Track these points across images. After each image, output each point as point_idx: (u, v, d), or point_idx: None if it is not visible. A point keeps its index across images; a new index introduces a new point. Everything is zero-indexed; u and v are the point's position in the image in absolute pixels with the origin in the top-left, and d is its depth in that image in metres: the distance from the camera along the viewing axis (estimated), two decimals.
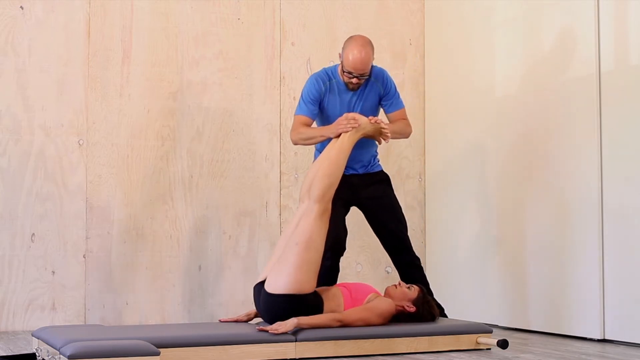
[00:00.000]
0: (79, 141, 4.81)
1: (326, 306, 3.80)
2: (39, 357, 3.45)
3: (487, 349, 3.88)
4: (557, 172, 4.46)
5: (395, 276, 5.40)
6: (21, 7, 4.74)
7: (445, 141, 5.39)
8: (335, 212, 4.08)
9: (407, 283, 4.08)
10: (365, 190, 4.37)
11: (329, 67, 4.35)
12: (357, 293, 3.92)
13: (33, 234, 4.69)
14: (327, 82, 4.27)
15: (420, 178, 5.55)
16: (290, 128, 4.34)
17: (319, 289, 3.87)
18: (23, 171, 4.69)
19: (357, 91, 4.28)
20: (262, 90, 5.22)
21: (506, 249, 4.81)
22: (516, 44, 4.82)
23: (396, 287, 3.98)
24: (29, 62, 4.74)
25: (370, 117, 4.15)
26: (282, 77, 5.26)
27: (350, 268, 5.34)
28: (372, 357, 3.67)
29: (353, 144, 4.10)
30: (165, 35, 5.00)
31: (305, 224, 3.86)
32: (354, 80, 4.23)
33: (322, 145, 4.23)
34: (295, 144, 4.34)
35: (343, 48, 4.19)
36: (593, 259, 4.21)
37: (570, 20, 4.44)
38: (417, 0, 5.62)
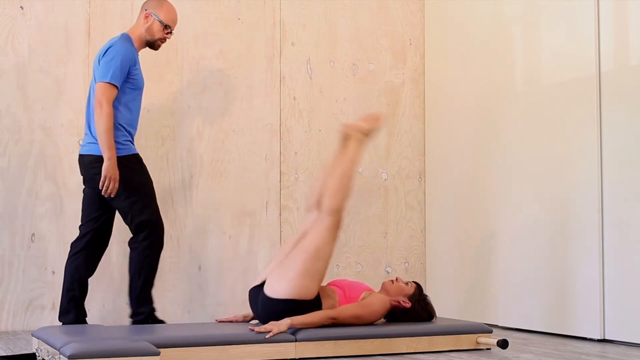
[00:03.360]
0: (79, 141, 4.81)
1: (323, 306, 3.80)
2: (39, 357, 3.45)
3: (487, 349, 3.88)
4: (557, 172, 4.46)
5: (395, 276, 5.40)
6: (21, 7, 4.74)
7: (445, 141, 5.39)
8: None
9: None
10: None
11: (125, 46, 4.25)
12: (351, 292, 3.92)
13: (33, 234, 4.69)
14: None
15: (420, 178, 5.55)
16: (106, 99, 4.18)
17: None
18: (23, 171, 4.69)
19: None
20: (262, 90, 5.22)
21: (506, 248, 4.81)
22: (516, 44, 4.82)
23: (393, 283, 3.98)
24: (29, 62, 4.74)
25: (371, 117, 4.12)
26: (282, 77, 5.26)
27: (350, 268, 5.34)
28: (372, 357, 3.67)
29: (362, 153, 4.06)
30: None
31: (315, 234, 3.79)
32: (169, 36, 4.39)
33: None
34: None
35: (156, 7, 4.29)
36: (593, 259, 4.21)
37: (570, 20, 4.44)
38: (417, 0, 5.62)
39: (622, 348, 3.96)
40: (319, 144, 5.32)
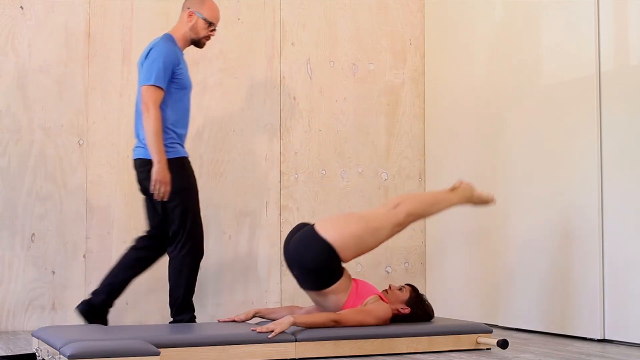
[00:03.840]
0: (79, 141, 4.81)
1: (338, 284, 3.83)
2: (39, 357, 3.45)
3: (487, 349, 3.88)
4: (557, 172, 4.46)
5: (395, 276, 5.41)
6: (21, 7, 4.74)
7: (445, 141, 5.39)
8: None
9: None
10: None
11: (167, 46, 4.23)
12: (362, 290, 3.93)
13: (33, 234, 4.70)
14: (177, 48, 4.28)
15: (420, 178, 5.55)
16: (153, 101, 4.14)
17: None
18: (23, 171, 4.69)
19: None
20: (262, 90, 5.21)
21: (506, 249, 4.81)
22: (516, 44, 4.82)
23: (387, 292, 3.99)
24: (29, 62, 4.74)
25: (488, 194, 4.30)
26: (282, 77, 5.26)
27: (350, 268, 5.31)
28: (372, 357, 3.67)
29: (457, 202, 4.21)
30: None
31: (382, 216, 4.00)
32: (213, 33, 4.37)
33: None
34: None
35: (198, 5, 4.27)
36: (593, 259, 4.21)
37: (570, 20, 4.44)
38: (417, 0, 5.62)
39: (622, 348, 3.96)
40: (319, 144, 5.32)
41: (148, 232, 4.35)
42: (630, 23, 4.15)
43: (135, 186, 4.90)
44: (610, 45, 4.21)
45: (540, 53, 4.64)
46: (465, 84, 5.22)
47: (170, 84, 4.17)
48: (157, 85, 4.10)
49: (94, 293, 4.25)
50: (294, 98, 5.28)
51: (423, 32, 5.62)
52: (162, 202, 4.16)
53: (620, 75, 4.16)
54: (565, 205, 4.40)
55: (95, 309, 4.20)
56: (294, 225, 5.17)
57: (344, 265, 3.93)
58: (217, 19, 4.36)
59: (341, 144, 5.40)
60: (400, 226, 4.02)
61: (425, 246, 5.55)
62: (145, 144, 4.15)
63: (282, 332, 3.56)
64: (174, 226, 4.18)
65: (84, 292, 4.76)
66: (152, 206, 4.27)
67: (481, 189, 4.32)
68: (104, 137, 4.86)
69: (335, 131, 5.38)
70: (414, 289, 4.02)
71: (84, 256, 4.78)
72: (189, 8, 4.31)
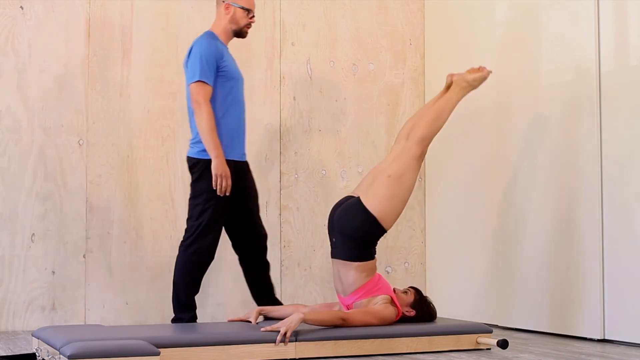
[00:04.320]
0: (79, 141, 4.81)
1: (367, 263, 3.91)
2: (39, 357, 3.45)
3: (487, 349, 3.88)
4: (557, 171, 4.46)
5: (394, 276, 5.41)
6: (21, 7, 4.74)
7: (445, 141, 5.39)
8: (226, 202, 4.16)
9: (258, 257, 4.34)
10: (248, 177, 4.38)
11: (206, 42, 4.24)
12: (380, 284, 3.96)
13: (33, 234, 4.69)
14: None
15: (420, 178, 5.55)
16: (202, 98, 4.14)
17: None
18: (23, 171, 4.69)
19: None
20: (262, 90, 5.21)
21: (506, 249, 4.81)
22: (516, 44, 4.82)
23: None
24: (29, 62, 4.74)
25: (475, 68, 4.29)
26: (282, 77, 5.26)
27: None
28: (372, 357, 3.67)
29: (460, 100, 4.23)
30: (165, 35, 5.00)
31: (401, 161, 4.02)
32: (253, 20, 4.38)
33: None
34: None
35: None
36: (593, 259, 4.20)
37: (570, 21, 4.44)
38: (417, 0, 5.62)
39: (622, 348, 3.96)
40: (319, 144, 5.32)
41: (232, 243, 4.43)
42: (630, 23, 4.15)
43: (134, 186, 4.91)
44: (610, 45, 4.21)
45: (540, 53, 4.64)
46: None
47: (217, 79, 4.18)
48: (203, 80, 4.11)
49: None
50: (294, 98, 5.28)
51: (423, 32, 5.62)
52: (190, 196, 4.21)
53: (620, 75, 4.16)
54: (565, 205, 4.40)
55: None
56: (293, 225, 5.23)
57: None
58: (254, 5, 4.38)
59: (341, 144, 5.40)
60: (420, 157, 4.08)
61: (425, 246, 5.55)
62: (195, 141, 4.19)
63: (293, 330, 3.55)
64: (190, 221, 4.21)
65: (84, 292, 4.76)
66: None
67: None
68: (104, 137, 4.86)
69: (335, 131, 5.38)
70: (417, 292, 4.03)
71: (84, 256, 4.78)
72: (223, 1, 4.33)
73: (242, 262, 4.42)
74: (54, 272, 4.72)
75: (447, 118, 4.18)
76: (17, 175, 4.68)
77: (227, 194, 4.11)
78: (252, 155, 5.16)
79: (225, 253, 5.08)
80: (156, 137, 4.96)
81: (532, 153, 4.64)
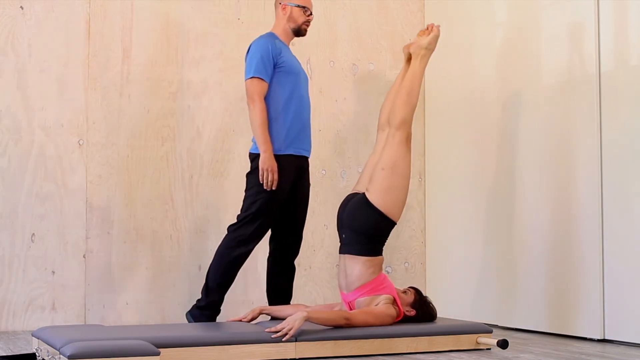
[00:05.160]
0: (79, 141, 4.81)
1: (375, 259, 3.93)
2: (39, 357, 3.45)
3: (487, 349, 3.88)
4: (557, 172, 4.46)
5: (395, 276, 5.41)
6: (21, 7, 4.74)
7: (445, 141, 5.39)
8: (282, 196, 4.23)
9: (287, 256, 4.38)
10: (305, 176, 4.44)
11: (263, 40, 4.31)
12: (385, 283, 3.97)
13: (33, 234, 4.69)
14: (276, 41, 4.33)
15: (420, 178, 5.55)
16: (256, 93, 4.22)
17: None
18: (23, 171, 4.69)
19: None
20: None
21: (506, 249, 4.81)
22: (516, 44, 4.82)
23: None
24: (29, 62, 4.74)
25: (425, 30, 4.29)
26: None
27: None
28: (372, 357, 3.67)
29: (425, 67, 4.23)
30: (165, 35, 5.00)
31: (389, 150, 4.02)
32: (311, 17, 4.43)
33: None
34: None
35: None
36: (593, 259, 4.21)
37: (570, 20, 4.44)
38: (417, 0, 5.62)
39: (622, 348, 3.96)
40: (319, 144, 5.32)
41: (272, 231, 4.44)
42: (630, 23, 4.15)
43: (134, 186, 4.92)
44: (610, 45, 4.21)
45: (540, 53, 4.64)
46: (465, 84, 5.22)
47: (277, 74, 4.25)
48: (258, 76, 4.18)
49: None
50: None
51: None
52: (245, 189, 4.29)
53: (620, 75, 4.16)
54: (565, 205, 4.40)
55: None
56: None
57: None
58: (310, 3, 4.44)
59: (341, 144, 5.40)
60: (407, 139, 4.06)
61: (425, 246, 5.55)
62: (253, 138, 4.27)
63: (297, 330, 3.55)
64: (241, 211, 4.28)
65: (84, 292, 4.76)
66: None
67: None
68: (104, 137, 4.86)
69: (335, 131, 5.38)
70: (417, 292, 4.04)
71: (84, 256, 4.78)
72: (280, 3, 4.40)
73: (271, 257, 4.45)
74: (54, 272, 4.72)
75: (418, 91, 4.18)
76: (17, 175, 4.68)
77: (274, 187, 4.18)
78: None
79: None
80: (156, 137, 4.96)
81: (532, 153, 4.64)
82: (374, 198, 3.95)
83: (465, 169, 5.18)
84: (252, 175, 4.27)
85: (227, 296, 5.10)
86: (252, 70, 4.20)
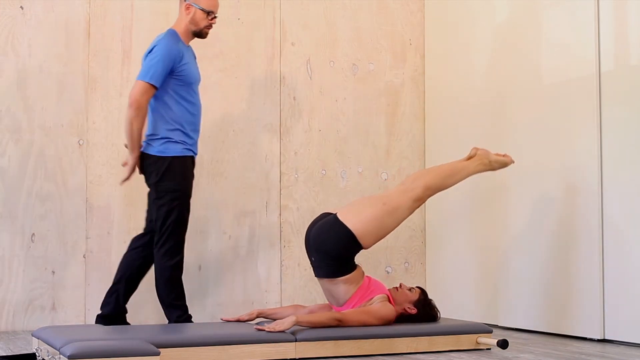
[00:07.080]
0: (79, 141, 4.81)
1: (351, 275, 3.90)
2: (39, 357, 3.45)
3: (487, 349, 3.88)
4: (557, 171, 4.46)
5: (395, 276, 5.41)
6: (21, 7, 4.74)
7: (445, 141, 5.39)
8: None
9: None
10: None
11: (169, 44, 4.23)
12: (372, 286, 3.96)
13: (33, 234, 4.69)
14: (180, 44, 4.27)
15: None
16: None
17: None
18: (23, 171, 4.69)
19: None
20: (262, 90, 5.21)
21: (506, 248, 4.81)
22: (516, 44, 4.82)
23: (397, 290, 4.00)
24: (29, 62, 4.74)
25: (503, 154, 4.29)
26: (282, 77, 5.26)
27: None
28: (372, 357, 3.67)
29: (470, 175, 4.23)
30: None
31: (401, 196, 4.02)
32: (214, 21, 4.36)
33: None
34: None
35: None
36: (593, 259, 4.20)
37: (570, 20, 4.44)
38: (417, 0, 5.62)
39: (622, 348, 3.96)
40: (319, 144, 5.32)
41: (145, 228, 4.38)
42: (630, 23, 4.15)
43: (135, 186, 4.91)
44: (610, 45, 4.21)
45: (540, 53, 4.64)
46: (465, 84, 5.21)
47: (173, 81, 4.19)
48: (151, 83, 4.12)
49: (102, 306, 4.29)
50: (294, 98, 5.28)
51: (423, 32, 5.62)
52: (154, 199, 4.22)
53: (620, 75, 4.16)
54: (565, 205, 4.40)
55: (110, 319, 4.23)
56: (293, 225, 5.22)
57: (357, 263, 3.99)
58: (216, 7, 4.35)
59: (341, 144, 5.40)
60: (419, 201, 4.05)
61: (425, 246, 5.55)
62: (147, 140, 4.22)
63: (283, 330, 3.56)
64: (157, 224, 4.21)
65: (84, 292, 4.76)
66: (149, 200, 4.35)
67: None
68: (104, 137, 4.86)
69: (335, 131, 5.38)
70: (423, 292, 4.05)
71: (84, 256, 4.78)
72: (185, 1, 4.31)
73: (147, 243, 4.34)
74: (54, 272, 4.72)
75: (457, 181, 4.17)
76: (17, 175, 4.68)
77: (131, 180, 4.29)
78: (253, 155, 5.17)
79: (226, 254, 5.09)
80: None
81: (531, 153, 4.64)
82: (349, 218, 3.90)
83: None
84: (159, 182, 4.21)
85: (227, 296, 5.12)
86: (149, 76, 4.11)
